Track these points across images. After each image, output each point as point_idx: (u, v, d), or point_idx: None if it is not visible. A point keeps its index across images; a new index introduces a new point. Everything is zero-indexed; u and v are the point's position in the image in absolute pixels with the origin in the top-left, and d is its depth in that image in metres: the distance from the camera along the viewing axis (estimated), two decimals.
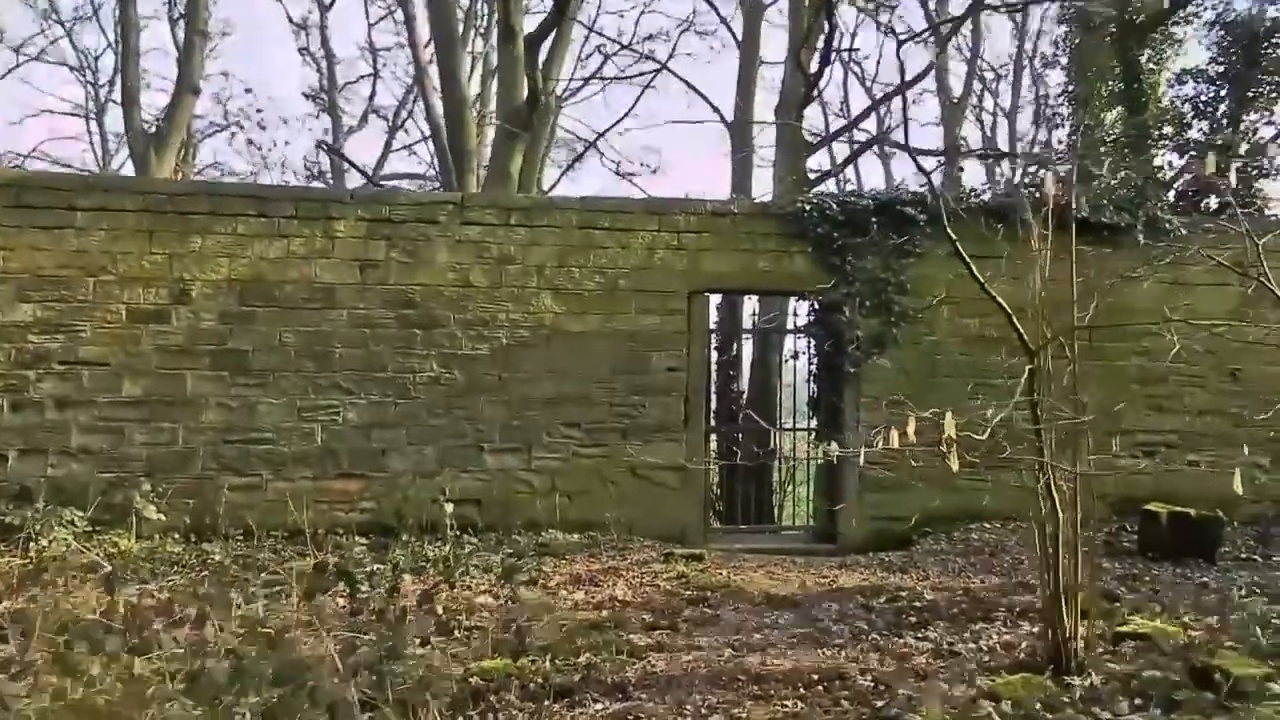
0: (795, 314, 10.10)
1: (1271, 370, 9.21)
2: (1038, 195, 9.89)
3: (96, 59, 28.51)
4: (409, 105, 23.27)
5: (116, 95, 20.20)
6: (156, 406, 8.04)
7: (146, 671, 3.97)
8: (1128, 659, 4.81)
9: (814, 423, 9.58)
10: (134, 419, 8.01)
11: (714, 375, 9.57)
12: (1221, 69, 12.72)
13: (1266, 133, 13.15)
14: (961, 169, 11.56)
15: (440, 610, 5.55)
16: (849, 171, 16.28)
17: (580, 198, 9.04)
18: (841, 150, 17.03)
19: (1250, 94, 12.79)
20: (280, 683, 3.85)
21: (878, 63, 33.50)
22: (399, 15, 18.34)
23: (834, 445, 6.05)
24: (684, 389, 8.80)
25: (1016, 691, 4.38)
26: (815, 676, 4.71)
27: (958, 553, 8.15)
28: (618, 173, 18.96)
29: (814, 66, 10.94)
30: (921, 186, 9.28)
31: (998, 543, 8.26)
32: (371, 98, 26.38)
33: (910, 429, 4.15)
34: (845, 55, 14.98)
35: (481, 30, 18.87)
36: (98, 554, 7.13)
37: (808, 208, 9.04)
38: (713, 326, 9.77)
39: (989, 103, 26.46)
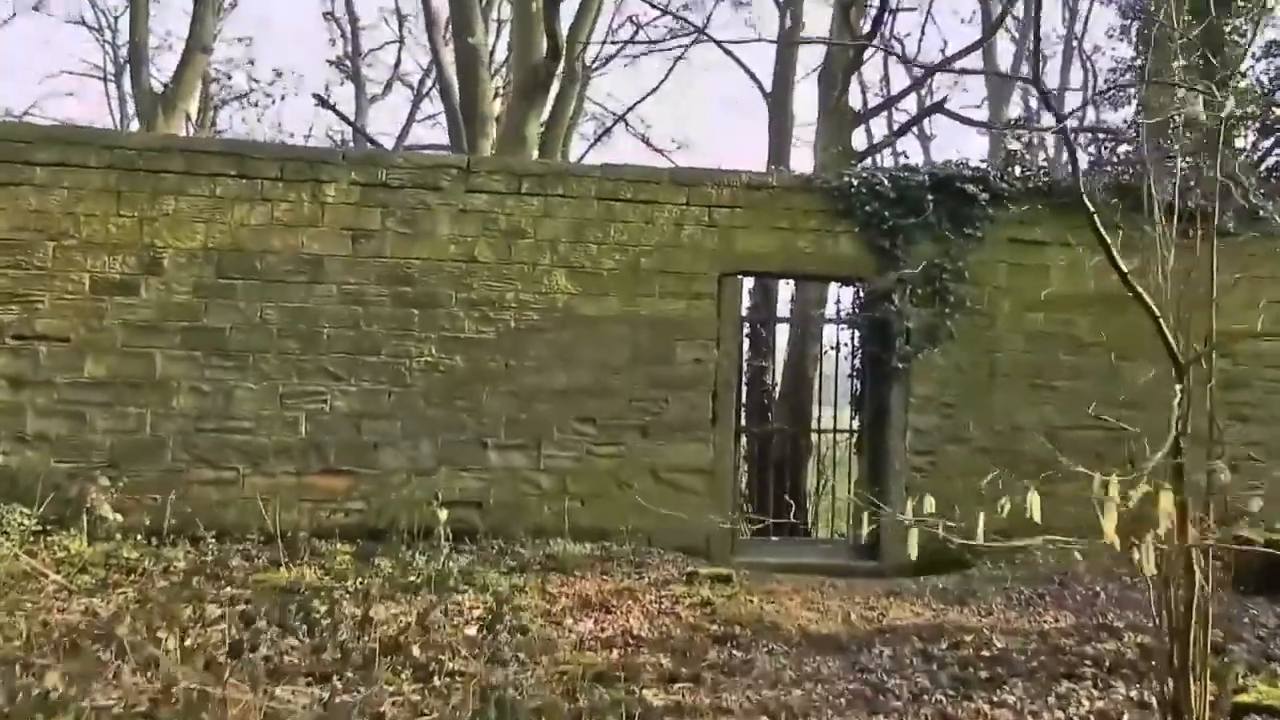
0: (837, 301, 9.13)
1: None
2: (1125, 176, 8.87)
3: (116, 19, 27.73)
4: (433, 73, 22.27)
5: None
6: (121, 389, 7.18)
7: None
8: None
9: (855, 423, 8.61)
10: (96, 402, 7.15)
11: (745, 368, 8.61)
12: None
13: None
14: (1020, 145, 10.48)
15: (418, 649, 4.65)
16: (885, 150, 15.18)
17: (600, 165, 8.08)
18: (884, 130, 16.02)
19: None
20: None
21: (919, 42, 32.15)
22: None
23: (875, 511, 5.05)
24: (712, 383, 7.86)
25: None
26: None
27: (1021, 579, 7.18)
28: (645, 141, 17.81)
29: (864, 28, 9.94)
30: (981, 161, 8.25)
31: (1065, 569, 7.29)
32: (396, 65, 25.45)
33: (1034, 504, 3.20)
34: (892, 24, 13.88)
35: None
36: (44, 558, 6.30)
37: (855, 182, 8.05)
38: (744, 313, 8.79)
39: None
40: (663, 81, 25.65)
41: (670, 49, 18.28)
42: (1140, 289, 4.00)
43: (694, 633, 5.48)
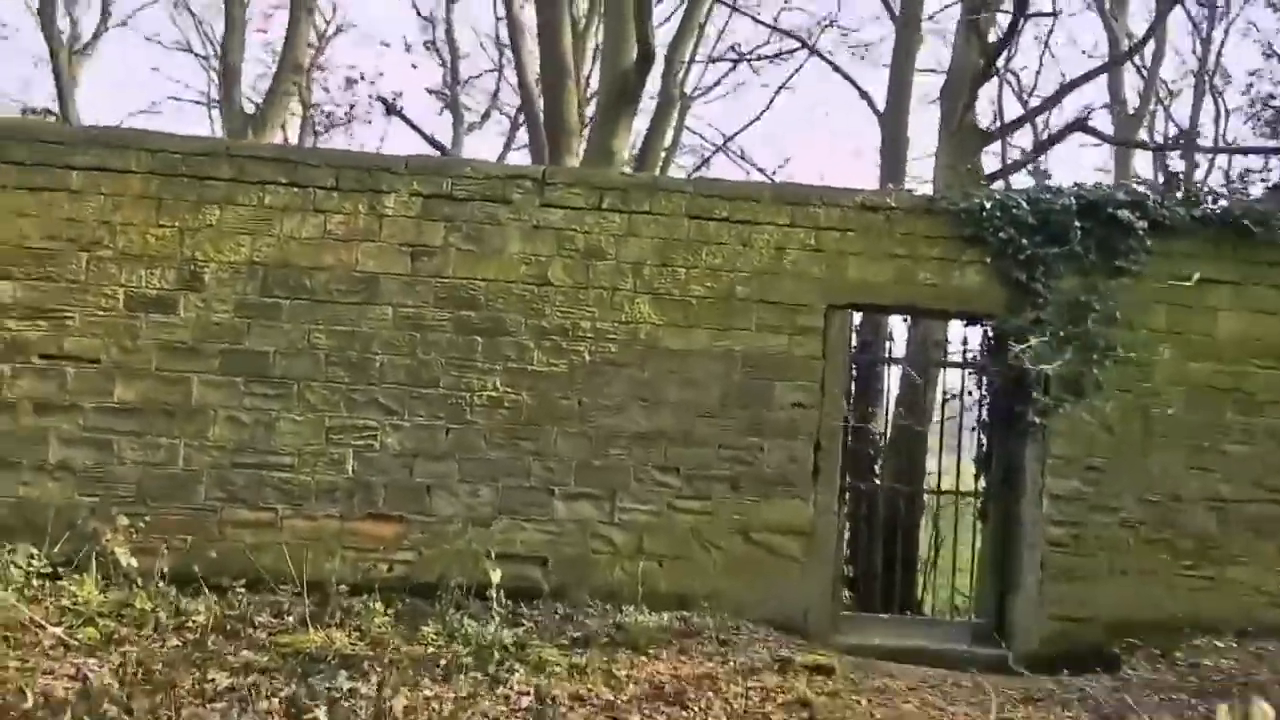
0: (964, 343, 8.00)
1: None
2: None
3: (220, 44, 28.03)
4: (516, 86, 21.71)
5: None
6: (153, 417, 6.46)
7: None
8: None
9: (980, 484, 7.44)
10: (125, 430, 6.44)
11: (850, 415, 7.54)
12: None
13: None
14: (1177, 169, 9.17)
15: None
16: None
17: (692, 179, 7.16)
18: (1010, 153, 14.77)
19: None
20: None
21: (1037, 73, 30.64)
22: None
23: None
24: (815, 430, 6.81)
25: None
26: None
27: (1190, 689, 5.87)
28: (744, 159, 16.69)
29: (993, 37, 8.86)
30: (1138, 182, 7.09)
31: (1243, 673, 6.01)
32: (495, 94, 25.03)
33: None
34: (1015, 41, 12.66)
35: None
36: (47, 606, 5.56)
37: (987, 205, 6.95)
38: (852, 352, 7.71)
39: (1160, 121, 23.49)
40: (766, 108, 24.62)
41: (775, 59, 17.21)
42: None
43: None
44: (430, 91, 24.62)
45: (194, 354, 6.50)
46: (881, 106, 11.56)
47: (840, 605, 6.89)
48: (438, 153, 12.40)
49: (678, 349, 6.78)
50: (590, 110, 10.36)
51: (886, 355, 7.94)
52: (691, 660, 5.66)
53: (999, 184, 10.58)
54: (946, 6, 15.59)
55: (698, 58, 16.07)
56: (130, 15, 25.81)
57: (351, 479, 6.55)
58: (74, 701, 4.05)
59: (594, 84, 11.73)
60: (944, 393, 7.71)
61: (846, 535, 7.90)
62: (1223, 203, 7.01)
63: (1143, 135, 19.28)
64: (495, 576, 5.55)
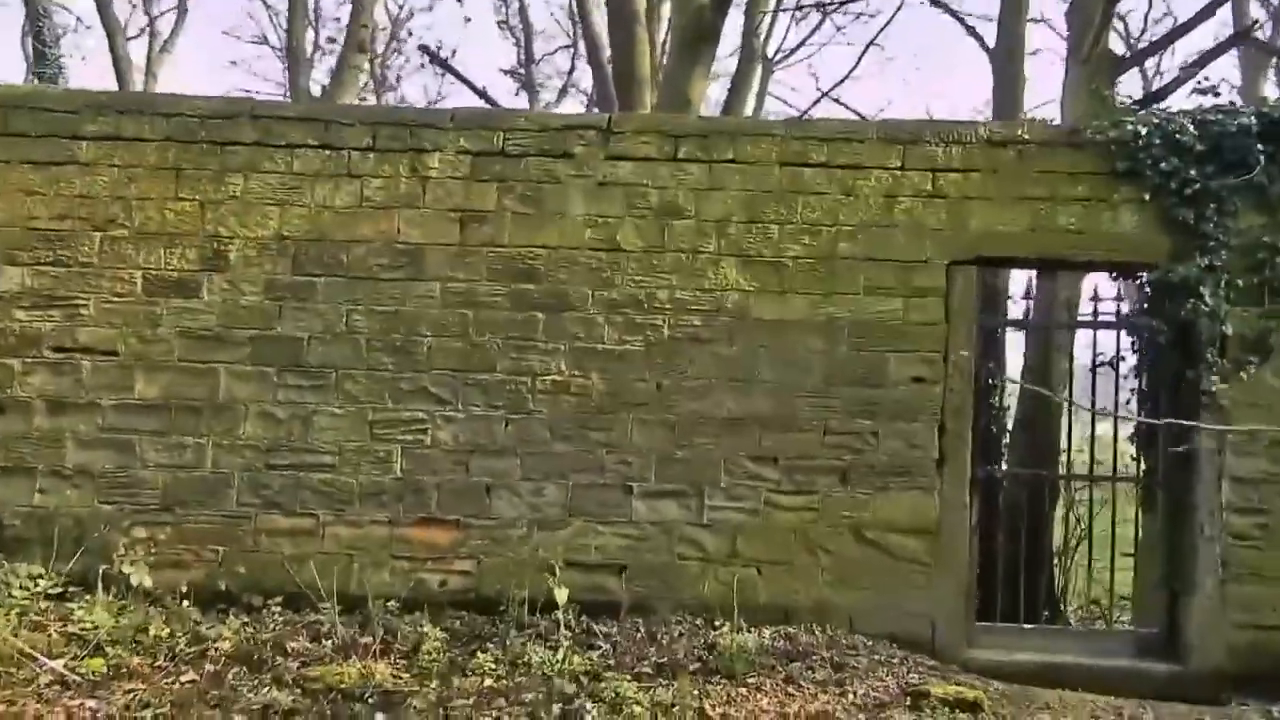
0: (1094, 298, 6.76)
1: None
2: None
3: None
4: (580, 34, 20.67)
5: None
6: (178, 414, 5.73)
7: None
8: None
9: (1140, 467, 6.24)
10: (147, 430, 5.72)
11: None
12: None
13: None
14: None
15: None
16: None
17: (784, 120, 6.10)
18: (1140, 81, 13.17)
19: None
20: None
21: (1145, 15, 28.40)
22: None
23: None
24: (938, 410, 5.74)
25: None
26: None
27: None
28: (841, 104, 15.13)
29: None
30: None
31: None
32: (570, 72, 24.15)
33: None
34: None
35: None
36: (51, 634, 4.85)
37: (1144, 131, 5.74)
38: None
39: None
40: (863, 54, 23.04)
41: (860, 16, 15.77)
42: None
43: None
44: (505, 72, 23.89)
45: (220, 343, 5.74)
46: (991, 43, 10.28)
47: (973, 616, 5.80)
48: (484, 102, 11.40)
49: (772, 319, 5.77)
50: (663, 61, 9.37)
51: (1003, 314, 6.72)
52: (802, 692, 4.67)
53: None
54: None
55: (781, 7, 14.80)
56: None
57: (400, 479, 5.72)
58: None
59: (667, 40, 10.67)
60: (1093, 357, 6.48)
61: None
62: None
63: None
64: (561, 596, 4.65)
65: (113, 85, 16.07)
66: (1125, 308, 6.15)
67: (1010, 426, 8.05)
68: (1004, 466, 7.23)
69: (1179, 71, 8.25)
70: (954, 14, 12.22)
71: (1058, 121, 6.46)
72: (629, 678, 4.62)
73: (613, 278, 5.80)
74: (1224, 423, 5.70)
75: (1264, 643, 5.63)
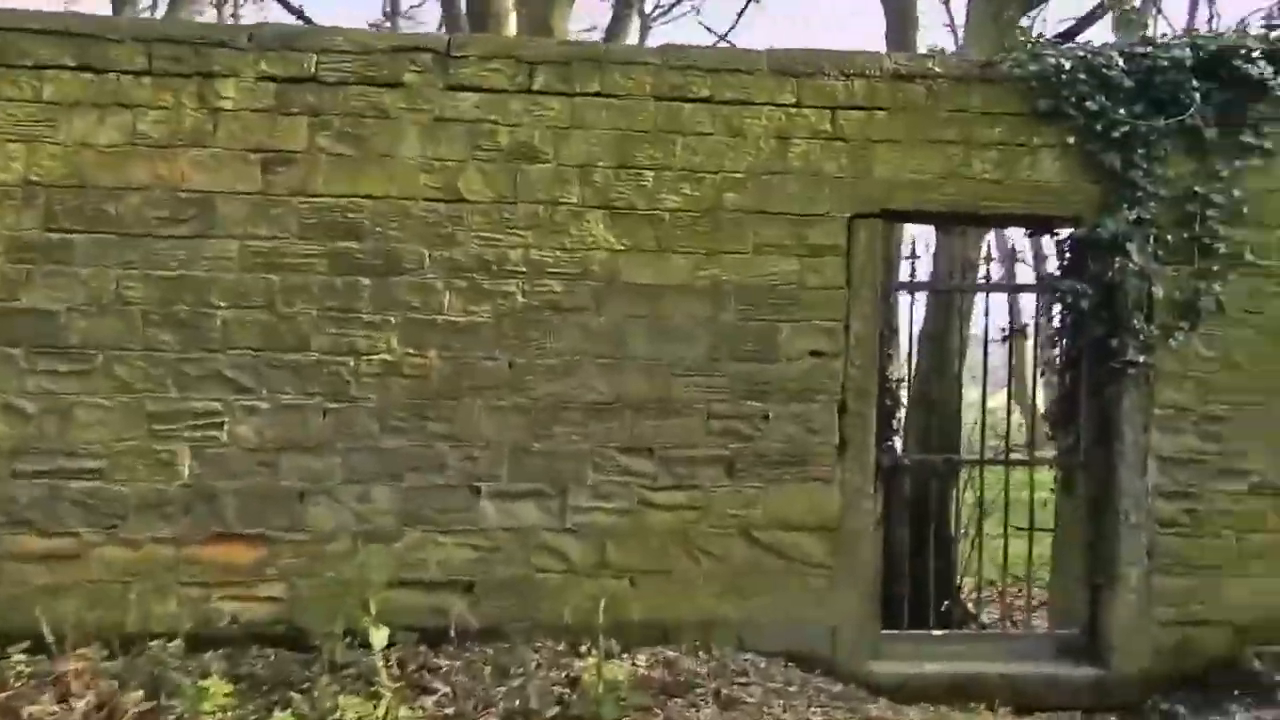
0: (1011, 256, 6.06)
1: None
2: None
3: None
4: None
5: None
6: None
7: None
8: None
9: (1054, 449, 5.60)
10: None
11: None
12: None
13: None
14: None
15: None
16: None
17: (659, 47, 5.14)
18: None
19: None
20: None
21: None
22: None
23: None
24: (839, 387, 4.94)
25: None
26: None
27: None
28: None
29: None
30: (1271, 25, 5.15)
31: None
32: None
33: None
34: None
35: None
36: None
37: (1068, 65, 5.01)
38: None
39: None
40: (741, 14, 22.10)
41: None
42: None
43: None
44: (373, 26, 22.18)
45: None
46: None
47: (879, 623, 5.06)
48: (296, 18, 9.85)
49: (646, 284, 4.86)
50: None
51: (895, 276, 5.94)
52: None
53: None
54: None
55: None
56: None
57: (188, 486, 4.61)
58: None
59: None
60: (985, 325, 5.75)
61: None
62: None
63: None
64: (379, 638, 3.67)
65: None
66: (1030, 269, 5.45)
67: (906, 403, 7.30)
68: (900, 449, 6.51)
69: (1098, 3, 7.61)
70: None
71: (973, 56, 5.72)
72: None
73: (454, 234, 4.78)
74: (1150, 397, 5.07)
75: (1193, 640, 5.06)
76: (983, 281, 5.87)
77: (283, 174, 4.70)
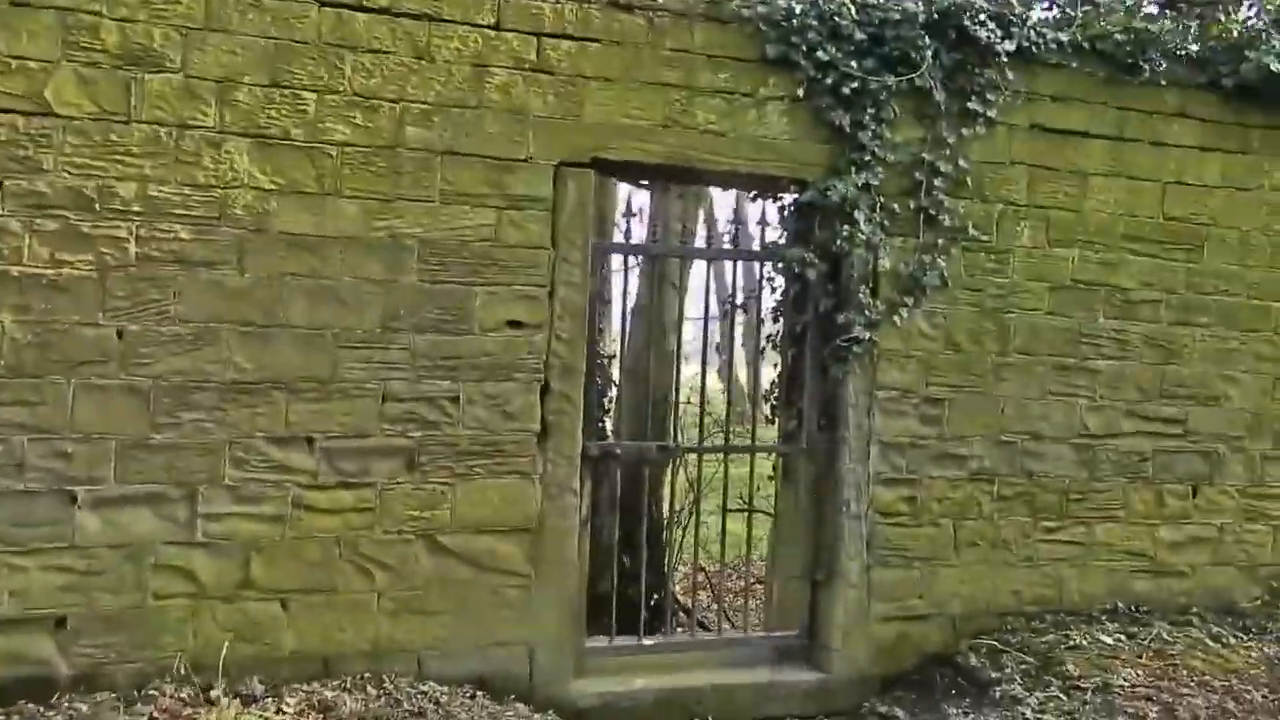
0: (732, 222, 5.62)
1: None
2: None
3: None
4: None
5: None
6: None
7: None
8: None
9: (776, 430, 5.17)
10: None
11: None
12: None
13: None
14: None
15: None
16: None
17: None
18: None
19: None
20: None
21: None
22: None
23: None
24: (541, 364, 4.21)
25: None
26: None
27: (1094, 711, 4.01)
28: None
29: None
30: None
31: (1150, 687, 4.16)
32: None
33: None
34: None
35: None
36: None
37: (799, 9, 4.51)
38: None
39: None
40: None
41: None
42: None
43: None
44: None
45: None
46: None
47: (583, 635, 4.42)
48: None
49: (305, 234, 3.91)
50: None
51: (609, 238, 5.29)
52: None
53: None
54: None
55: None
56: None
57: None
58: None
59: None
60: (706, 294, 5.22)
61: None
62: (1109, 23, 4.96)
63: None
64: None
65: None
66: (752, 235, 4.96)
67: (617, 380, 6.74)
68: (610, 434, 5.94)
69: None
70: None
71: None
72: None
73: (39, 159, 3.60)
74: (873, 376, 4.73)
75: (910, 636, 4.80)
76: (703, 248, 5.32)
77: None
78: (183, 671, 3.70)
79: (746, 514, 5.06)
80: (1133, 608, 5.08)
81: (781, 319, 4.98)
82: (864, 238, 4.58)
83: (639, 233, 6.28)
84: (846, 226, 4.55)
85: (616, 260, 5.86)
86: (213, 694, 3.63)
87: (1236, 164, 5.25)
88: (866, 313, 4.63)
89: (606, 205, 6.19)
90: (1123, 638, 4.71)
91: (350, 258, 3.95)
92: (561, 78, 4.23)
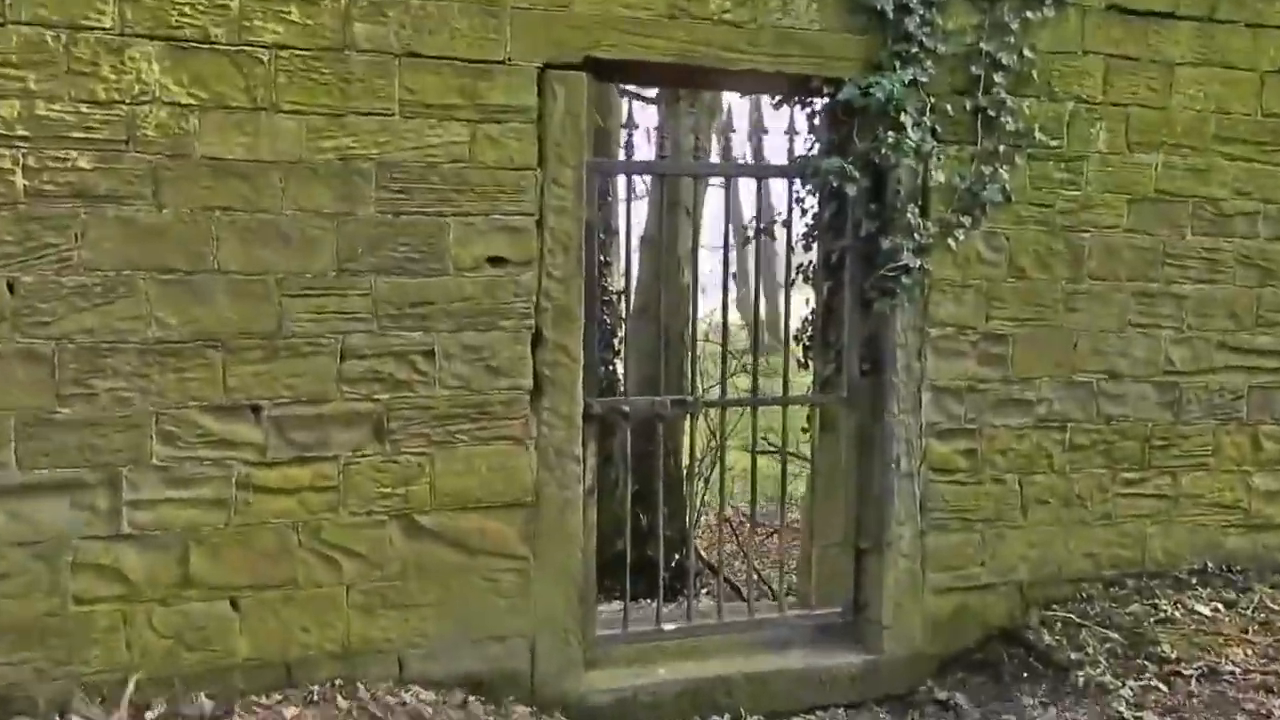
0: (757, 131, 4.87)
1: None
2: None
3: None
4: None
5: None
6: None
7: None
8: None
9: (810, 376, 4.49)
10: None
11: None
12: None
13: None
14: None
15: None
16: None
17: None
18: None
19: None
20: None
21: None
22: None
23: None
24: (530, 308, 3.53)
25: None
26: None
27: (1203, 704, 3.37)
28: None
29: None
30: None
31: (1265, 672, 3.50)
32: None
33: None
34: None
35: None
36: None
37: None
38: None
39: None
40: None
41: None
42: None
43: None
44: None
45: None
46: None
47: (593, 622, 3.81)
48: None
49: (236, 160, 3.20)
50: None
51: (614, 157, 4.55)
52: None
53: None
54: None
55: None
56: None
57: None
58: None
59: None
60: (726, 215, 4.47)
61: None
62: None
63: None
64: None
65: None
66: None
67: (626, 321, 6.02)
68: (621, 381, 5.27)
69: None
70: None
71: None
72: None
73: None
74: (924, 311, 4.02)
75: (971, 608, 4.16)
76: (719, 163, 4.58)
77: None
78: (116, 689, 3.10)
79: (780, 460, 4.35)
80: (1225, 567, 4.42)
81: (815, 246, 4.25)
82: (912, 145, 3.83)
83: (645, 151, 5.52)
84: (891, 133, 3.80)
85: (621, 186, 5.12)
86: (150, 715, 3.04)
87: None
88: (916, 236, 3.91)
89: (607, 119, 5.46)
90: (1220, 607, 4.05)
91: (293, 186, 3.25)
92: None
